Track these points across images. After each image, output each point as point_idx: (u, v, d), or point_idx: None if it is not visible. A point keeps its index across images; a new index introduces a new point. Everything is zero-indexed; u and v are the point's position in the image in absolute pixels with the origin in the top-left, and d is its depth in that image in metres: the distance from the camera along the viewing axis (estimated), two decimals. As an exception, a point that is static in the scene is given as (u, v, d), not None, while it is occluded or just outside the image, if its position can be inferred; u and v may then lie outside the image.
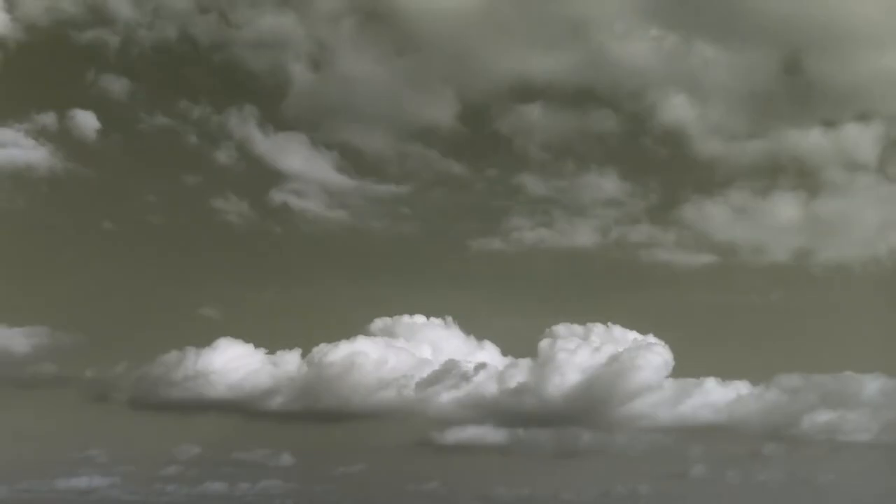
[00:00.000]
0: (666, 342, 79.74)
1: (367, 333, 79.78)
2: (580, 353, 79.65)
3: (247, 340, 78.05)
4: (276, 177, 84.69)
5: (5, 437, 72.41)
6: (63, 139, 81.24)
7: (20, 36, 79.87)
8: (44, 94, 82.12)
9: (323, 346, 78.38)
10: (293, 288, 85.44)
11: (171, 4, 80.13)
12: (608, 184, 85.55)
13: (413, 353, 79.43)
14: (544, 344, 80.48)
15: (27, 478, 73.43)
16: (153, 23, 79.34)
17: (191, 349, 77.16)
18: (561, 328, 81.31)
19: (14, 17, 79.49)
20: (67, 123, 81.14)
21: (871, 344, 78.18)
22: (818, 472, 78.91)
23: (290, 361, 78.59)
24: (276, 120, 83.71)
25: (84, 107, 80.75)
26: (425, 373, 78.20)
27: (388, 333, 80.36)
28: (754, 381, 79.64)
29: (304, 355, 78.45)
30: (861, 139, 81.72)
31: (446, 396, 77.67)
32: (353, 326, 79.75)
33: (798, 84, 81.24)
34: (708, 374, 79.88)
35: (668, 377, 79.24)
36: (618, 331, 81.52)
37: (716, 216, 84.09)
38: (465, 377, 78.33)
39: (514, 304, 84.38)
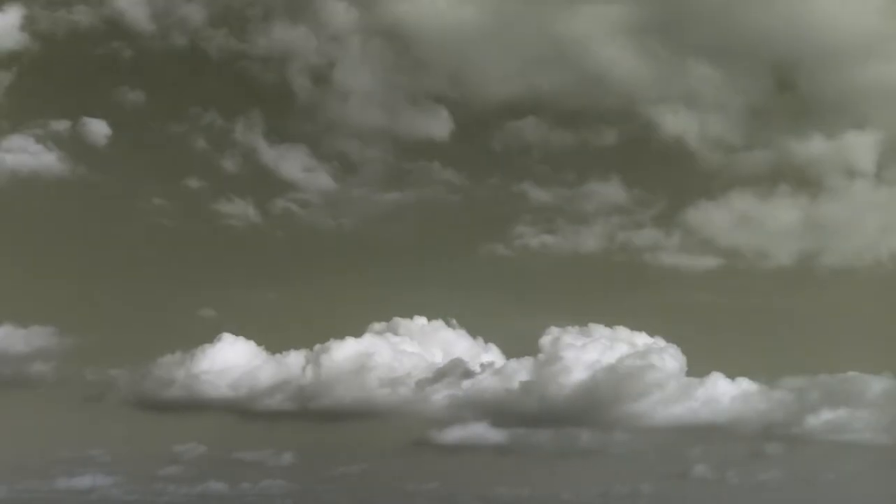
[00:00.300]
0: (670, 344, 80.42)
1: (368, 334, 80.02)
2: (581, 353, 79.74)
3: (248, 341, 78.47)
4: (280, 184, 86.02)
5: (5, 436, 72.66)
6: (74, 145, 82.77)
7: (37, 47, 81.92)
8: (57, 102, 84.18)
9: (324, 347, 78.76)
10: (294, 290, 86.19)
11: (185, 18, 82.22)
12: (611, 191, 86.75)
13: (414, 354, 79.54)
14: (546, 344, 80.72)
15: (27, 478, 73.82)
16: (167, 35, 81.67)
17: (191, 349, 77.52)
18: (562, 329, 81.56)
19: (32, 29, 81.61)
20: (79, 130, 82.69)
21: (876, 345, 78.70)
22: (821, 473, 79.14)
23: (291, 362, 78.89)
24: (281, 130, 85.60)
25: (96, 115, 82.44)
26: (426, 373, 78.52)
27: (389, 334, 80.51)
28: (758, 382, 79.93)
29: (304, 355, 78.74)
30: (858, 147, 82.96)
31: (447, 396, 77.88)
32: (354, 327, 79.88)
33: (794, 96, 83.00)
34: (712, 374, 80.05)
35: (670, 378, 79.36)
36: (620, 332, 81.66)
37: (719, 221, 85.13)
38: (466, 377, 78.61)
39: (515, 306, 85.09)
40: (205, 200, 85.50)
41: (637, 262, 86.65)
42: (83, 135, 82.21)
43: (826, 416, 78.62)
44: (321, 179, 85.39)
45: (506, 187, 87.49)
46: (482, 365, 79.18)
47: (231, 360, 77.53)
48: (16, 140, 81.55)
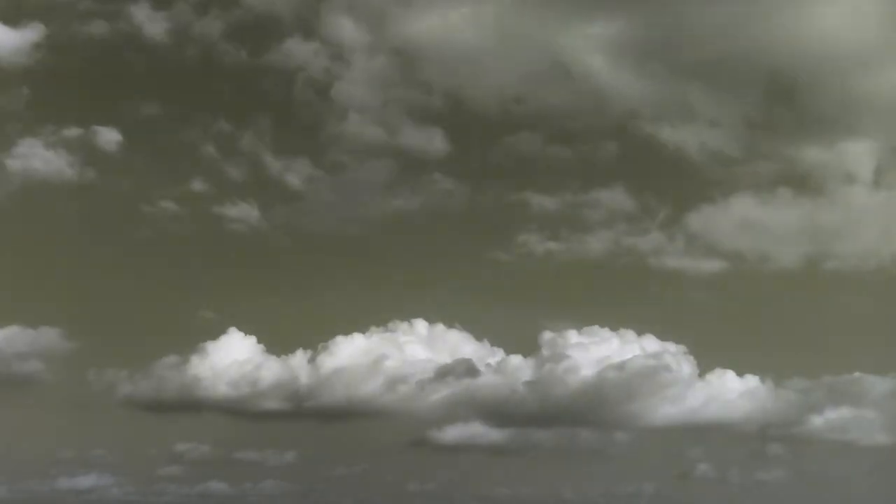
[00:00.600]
0: (672, 344, 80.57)
1: (369, 335, 79.91)
2: (582, 353, 79.63)
3: (249, 342, 78.50)
4: (283, 191, 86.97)
5: (7, 436, 72.92)
6: (85, 152, 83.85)
7: (54, 59, 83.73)
8: (71, 110, 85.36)
9: (324, 348, 78.77)
10: (295, 292, 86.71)
11: (201, 33, 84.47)
12: (615, 198, 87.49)
13: (414, 355, 79.50)
14: (547, 344, 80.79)
15: (28, 478, 73.89)
16: (181, 48, 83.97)
17: (192, 350, 77.62)
18: (564, 329, 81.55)
19: (49, 43, 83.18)
20: (91, 137, 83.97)
21: (881, 346, 78.91)
22: (825, 473, 78.98)
23: (292, 362, 78.93)
24: (286, 140, 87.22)
25: (108, 123, 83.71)
26: (427, 373, 78.40)
27: (390, 336, 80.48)
28: (761, 382, 79.87)
29: (305, 356, 78.80)
30: (857, 154, 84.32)
31: (448, 397, 77.82)
32: (354, 329, 79.78)
33: (791, 108, 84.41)
34: (714, 375, 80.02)
35: (672, 378, 79.11)
36: (622, 333, 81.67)
37: (722, 225, 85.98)
38: (467, 377, 78.55)
39: (516, 308, 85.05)
40: (210, 204, 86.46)
41: (640, 265, 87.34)
42: (94, 142, 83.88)
43: (829, 416, 78.97)
44: (324, 187, 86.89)
45: (508, 197, 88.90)
46: (483, 365, 79.38)
47: (232, 361, 77.69)
48: (28, 146, 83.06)
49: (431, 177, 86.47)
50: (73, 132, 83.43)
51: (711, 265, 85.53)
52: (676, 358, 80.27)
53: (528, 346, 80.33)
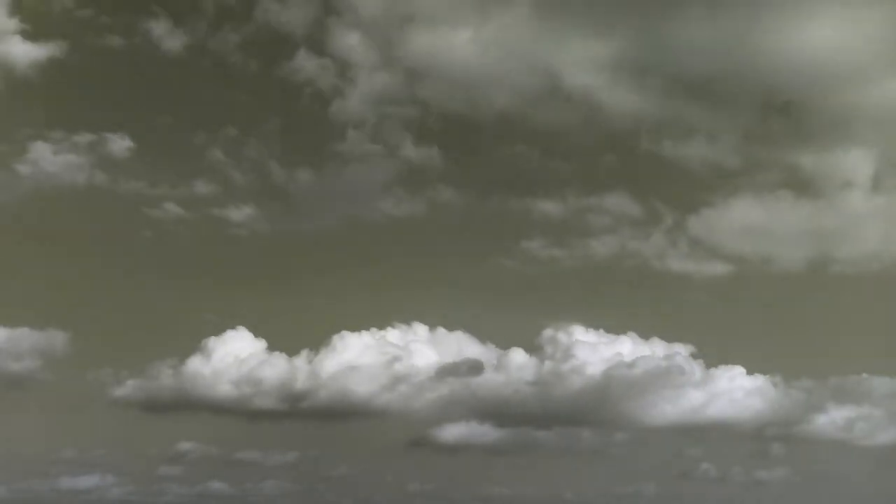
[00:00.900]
0: (675, 345, 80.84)
1: (370, 336, 79.89)
2: (584, 353, 79.65)
3: (249, 342, 78.62)
4: (287, 196, 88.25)
5: (7, 436, 73.02)
6: (96, 157, 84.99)
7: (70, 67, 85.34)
8: (81, 115, 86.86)
9: (324, 348, 78.87)
10: (296, 293, 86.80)
11: (215, 44, 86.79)
12: (619, 203, 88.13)
13: (415, 355, 79.54)
14: (548, 344, 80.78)
15: (28, 478, 74.07)
16: (195, 60, 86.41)
17: (191, 351, 77.82)
18: (565, 330, 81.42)
19: (69, 54, 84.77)
20: (102, 143, 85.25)
21: (885, 347, 79.43)
22: (827, 473, 78.87)
23: (292, 362, 78.96)
24: (291, 148, 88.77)
25: (119, 130, 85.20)
26: (427, 373, 78.70)
27: (391, 336, 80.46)
28: (764, 382, 79.90)
29: (305, 356, 78.90)
30: (855, 161, 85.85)
31: (448, 397, 78.18)
32: (355, 329, 79.80)
33: (788, 119, 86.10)
34: (717, 375, 79.92)
35: (674, 378, 79.19)
36: (624, 333, 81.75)
37: (725, 230, 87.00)
38: (468, 377, 78.90)
39: (517, 309, 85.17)
40: (214, 207, 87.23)
41: (644, 268, 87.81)
42: (106, 147, 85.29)
43: (831, 416, 78.97)
44: (326, 191, 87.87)
45: (510, 204, 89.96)
46: (483, 366, 79.57)
47: (232, 362, 77.77)
48: (40, 150, 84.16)
49: (433, 186, 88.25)
50: (84, 138, 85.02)
51: (715, 268, 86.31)
52: (678, 358, 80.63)
53: (528, 347, 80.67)
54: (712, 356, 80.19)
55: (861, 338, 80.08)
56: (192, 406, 77.43)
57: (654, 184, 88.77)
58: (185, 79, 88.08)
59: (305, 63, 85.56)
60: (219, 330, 78.60)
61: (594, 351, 79.78)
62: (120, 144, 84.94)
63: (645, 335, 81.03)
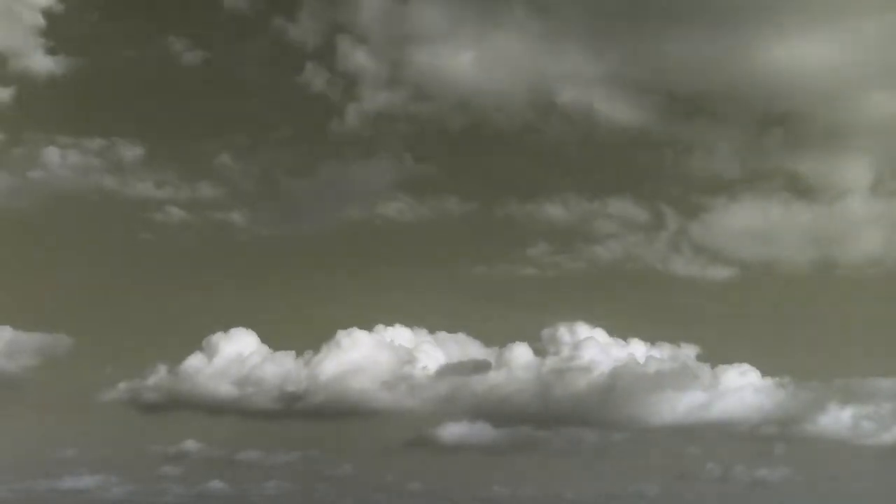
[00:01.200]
0: (677, 346, 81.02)
1: (370, 336, 79.71)
2: (585, 353, 79.31)
3: (249, 341, 78.58)
4: (290, 201, 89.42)
5: (7, 436, 73.22)
6: (106, 162, 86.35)
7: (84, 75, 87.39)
8: (92, 121, 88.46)
9: (324, 347, 78.72)
10: (296, 294, 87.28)
11: (231, 57, 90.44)
12: (622, 208, 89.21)
13: (415, 355, 79.29)
14: (549, 344, 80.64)
15: (28, 478, 74.19)
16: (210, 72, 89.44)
17: (192, 351, 77.84)
18: (566, 330, 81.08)
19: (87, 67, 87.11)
20: (113, 149, 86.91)
21: (884, 347, 79.93)
22: (830, 472, 78.52)
23: (292, 362, 78.93)
24: (297, 156, 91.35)
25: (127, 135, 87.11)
26: (428, 373, 78.39)
27: (391, 336, 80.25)
28: (766, 382, 79.76)
29: (305, 356, 78.84)
30: (854, 168, 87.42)
31: (448, 396, 78.04)
32: (356, 329, 79.67)
33: (786, 131, 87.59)
34: (720, 375, 79.87)
35: (677, 378, 79.09)
36: (626, 334, 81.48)
37: (729, 234, 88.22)
38: (468, 377, 78.91)
39: (519, 309, 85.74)
40: (218, 211, 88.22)
41: (647, 271, 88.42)
42: (113, 153, 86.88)
43: (834, 416, 78.66)
44: (329, 198, 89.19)
45: (515, 211, 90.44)
46: (485, 366, 79.58)
47: (233, 361, 77.77)
48: (52, 155, 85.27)
49: (436, 193, 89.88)
50: (95, 143, 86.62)
51: (718, 272, 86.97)
52: (680, 359, 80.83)
53: (529, 347, 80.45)
54: (715, 357, 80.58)
55: (864, 339, 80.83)
56: (193, 406, 77.76)
57: (655, 190, 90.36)
58: (198, 89, 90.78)
59: (314, 77, 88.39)
60: (219, 330, 78.78)
61: (596, 351, 79.50)
62: (128, 150, 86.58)
63: (648, 336, 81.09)
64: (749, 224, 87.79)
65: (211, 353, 77.49)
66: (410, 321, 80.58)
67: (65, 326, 78.16)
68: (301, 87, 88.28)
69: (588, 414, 77.82)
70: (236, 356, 77.70)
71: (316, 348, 78.31)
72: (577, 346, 79.86)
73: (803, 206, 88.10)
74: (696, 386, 78.64)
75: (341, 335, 78.54)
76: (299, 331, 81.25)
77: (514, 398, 78.10)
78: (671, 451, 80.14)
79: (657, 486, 77.80)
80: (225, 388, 76.85)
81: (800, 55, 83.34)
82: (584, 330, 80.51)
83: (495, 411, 77.57)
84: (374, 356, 78.03)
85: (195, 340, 77.86)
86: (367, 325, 79.53)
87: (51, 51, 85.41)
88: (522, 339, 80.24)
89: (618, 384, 77.50)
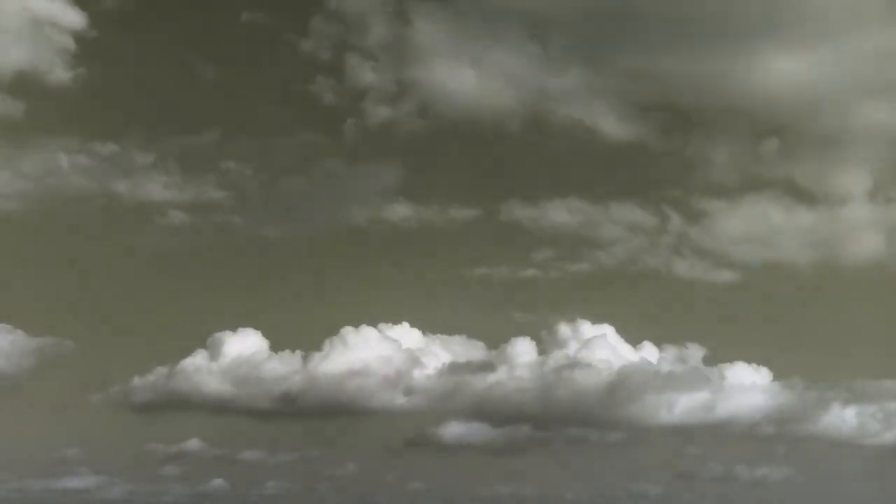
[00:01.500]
0: (678, 347, 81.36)
1: (370, 335, 79.72)
2: (587, 354, 79.60)
3: (250, 342, 78.61)
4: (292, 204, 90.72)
5: (8, 436, 73.32)
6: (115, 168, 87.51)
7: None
8: (104, 128, 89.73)
9: (326, 348, 78.78)
10: (298, 294, 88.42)
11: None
12: (624, 211, 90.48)
13: (415, 355, 79.44)
14: (551, 345, 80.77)
15: (28, 477, 74.30)
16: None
17: (192, 351, 78.03)
18: (568, 331, 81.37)
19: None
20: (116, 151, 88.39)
21: (885, 348, 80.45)
22: (831, 472, 78.69)
23: (293, 362, 78.90)
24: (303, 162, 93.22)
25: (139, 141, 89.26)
26: (428, 373, 78.52)
27: (391, 336, 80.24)
28: (769, 382, 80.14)
29: (307, 356, 78.87)
30: (851, 175, 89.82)
31: (448, 396, 78.02)
32: (356, 329, 79.56)
33: (783, 139, 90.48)
34: (722, 375, 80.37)
35: (679, 378, 79.34)
36: (627, 334, 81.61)
37: (731, 239, 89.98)
38: (469, 377, 78.90)
39: (520, 310, 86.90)
40: (221, 213, 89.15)
41: (649, 273, 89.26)
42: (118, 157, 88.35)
43: (836, 416, 78.91)
44: (332, 201, 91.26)
45: (519, 216, 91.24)
46: (486, 365, 79.66)
47: (234, 361, 77.78)
48: (62, 160, 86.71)
49: (439, 198, 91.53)
50: (108, 148, 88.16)
51: (721, 275, 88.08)
52: (680, 359, 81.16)
53: (530, 347, 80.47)
54: (717, 357, 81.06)
55: (864, 340, 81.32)
56: (194, 406, 77.88)
57: (656, 194, 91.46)
58: (210, 97, 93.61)
59: (323, 89, 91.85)
60: (220, 330, 78.93)
61: (598, 351, 79.63)
62: (138, 156, 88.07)
63: (649, 337, 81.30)
64: (750, 228, 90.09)
65: (212, 354, 77.82)
66: (412, 322, 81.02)
67: (67, 327, 78.59)
68: (312, 97, 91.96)
69: (589, 414, 78.10)
70: (237, 356, 77.79)
71: (317, 348, 78.71)
72: (578, 346, 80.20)
73: (803, 211, 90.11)
74: (697, 386, 78.96)
75: (343, 335, 78.82)
76: (301, 331, 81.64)
77: (515, 398, 78.35)
78: (672, 450, 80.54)
79: (658, 486, 78.15)
80: (226, 389, 77.14)
81: (792, 70, 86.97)
82: (585, 330, 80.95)
83: (496, 411, 77.85)
84: (376, 356, 78.04)
85: (197, 340, 78.35)
86: (368, 326, 79.86)
87: (71, 65, 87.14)
88: (524, 339, 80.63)
89: (619, 384, 77.91)
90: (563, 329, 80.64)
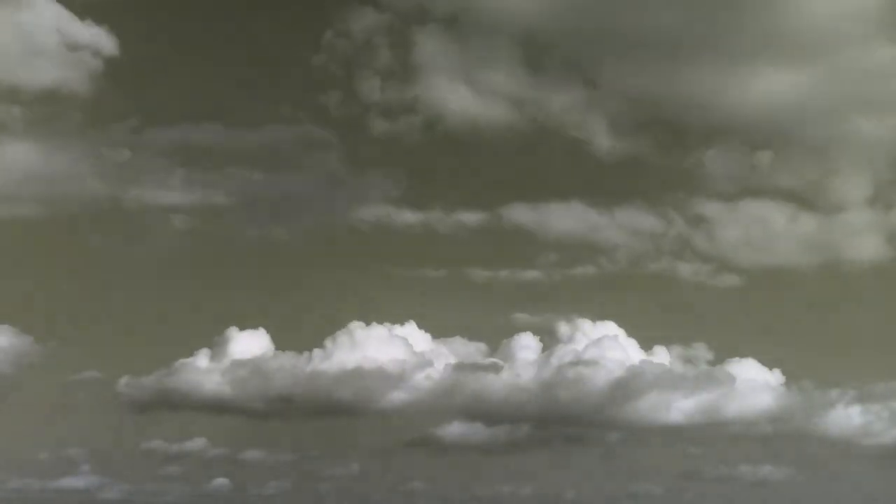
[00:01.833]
0: (678, 346, 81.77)
1: (371, 336, 79.72)
2: (587, 354, 79.41)
3: (251, 342, 78.53)
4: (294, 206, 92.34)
5: (8, 436, 73.50)
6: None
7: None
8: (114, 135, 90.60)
9: (327, 348, 78.80)
10: (298, 294, 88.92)
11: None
12: (631, 215, 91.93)
13: (415, 355, 79.32)
14: (552, 345, 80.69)
15: (28, 477, 74.52)
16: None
17: (193, 351, 78.08)
18: (569, 331, 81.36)
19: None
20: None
21: (885, 348, 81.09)
22: (833, 472, 78.76)
23: (294, 362, 79.07)
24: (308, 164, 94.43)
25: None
26: (428, 373, 78.37)
27: (391, 335, 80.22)
28: (771, 382, 79.55)
29: (308, 356, 78.89)
30: (852, 181, 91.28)
31: (448, 396, 78.00)
32: (358, 329, 79.56)
33: (779, 150, 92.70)
34: (724, 376, 79.75)
35: (680, 378, 79.50)
36: (629, 334, 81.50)
37: (733, 243, 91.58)
38: (469, 377, 79.04)
39: (521, 311, 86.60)
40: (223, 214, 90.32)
41: (653, 275, 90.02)
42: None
43: (838, 416, 78.80)
44: (334, 202, 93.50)
45: (522, 220, 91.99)
46: (487, 366, 79.71)
47: (235, 361, 77.75)
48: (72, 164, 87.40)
49: (441, 202, 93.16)
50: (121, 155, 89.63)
51: (723, 278, 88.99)
52: (682, 359, 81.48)
53: (531, 346, 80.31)
54: (719, 357, 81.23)
55: (866, 342, 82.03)
56: (194, 406, 77.77)
57: (658, 198, 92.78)
58: (223, 108, 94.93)
59: (332, 100, 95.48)
60: (221, 330, 78.95)
61: (600, 351, 79.41)
62: (147, 162, 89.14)
63: (652, 337, 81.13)
64: (751, 233, 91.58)
65: (216, 354, 77.77)
66: (414, 322, 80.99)
67: (67, 327, 79.56)
68: (321, 108, 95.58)
69: (590, 414, 77.93)
70: (240, 356, 77.82)
71: (319, 348, 78.65)
72: (580, 346, 79.96)
73: (803, 216, 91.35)
74: (698, 386, 78.80)
75: (344, 336, 78.85)
76: (302, 331, 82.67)
77: (516, 398, 78.34)
78: (673, 450, 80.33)
79: (659, 486, 77.94)
80: (227, 389, 77.05)
81: (784, 86, 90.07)
82: (586, 331, 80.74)
83: (497, 411, 77.78)
84: (376, 356, 77.87)
85: (201, 340, 78.55)
86: (371, 326, 79.92)
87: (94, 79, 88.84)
88: (525, 340, 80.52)
89: (621, 385, 77.65)
90: (566, 329, 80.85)
